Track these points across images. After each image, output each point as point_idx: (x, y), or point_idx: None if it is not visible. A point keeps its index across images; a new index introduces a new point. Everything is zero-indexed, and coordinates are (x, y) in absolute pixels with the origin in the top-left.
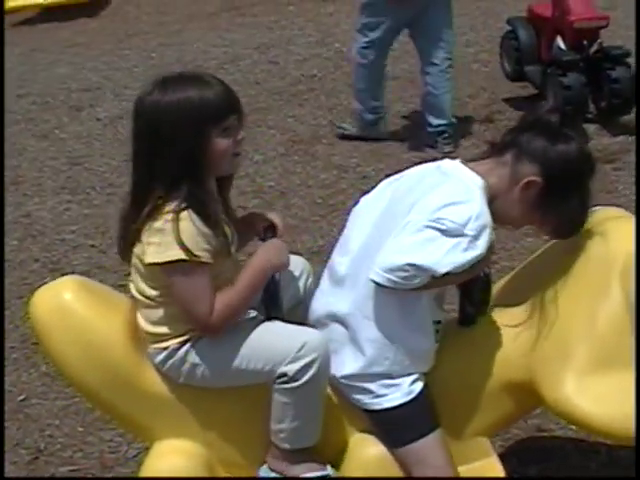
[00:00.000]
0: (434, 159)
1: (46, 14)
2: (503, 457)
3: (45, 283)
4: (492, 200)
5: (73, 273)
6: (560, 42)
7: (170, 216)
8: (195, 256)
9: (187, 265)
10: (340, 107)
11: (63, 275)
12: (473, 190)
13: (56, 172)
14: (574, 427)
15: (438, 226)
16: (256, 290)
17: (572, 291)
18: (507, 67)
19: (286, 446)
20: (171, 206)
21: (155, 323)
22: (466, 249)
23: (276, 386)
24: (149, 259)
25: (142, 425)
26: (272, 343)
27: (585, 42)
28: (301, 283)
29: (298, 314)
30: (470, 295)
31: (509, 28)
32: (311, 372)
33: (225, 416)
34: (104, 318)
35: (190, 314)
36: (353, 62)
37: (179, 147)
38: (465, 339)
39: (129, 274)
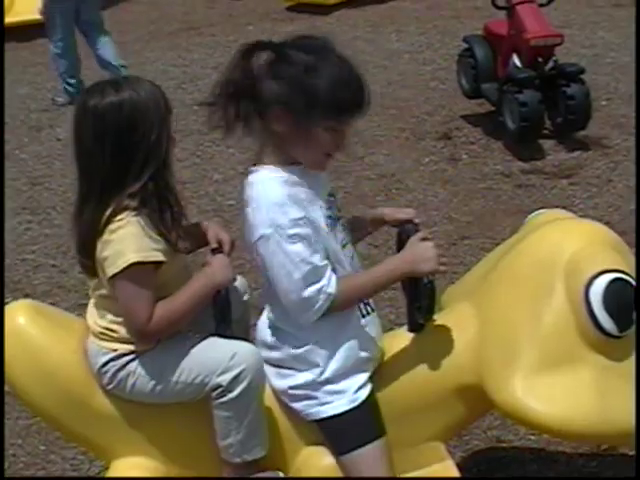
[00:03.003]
0: (392, 174)
1: (5, 35)
2: (462, 468)
3: (6, 303)
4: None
5: (34, 293)
6: (516, 59)
7: (115, 225)
8: (147, 257)
9: (138, 269)
10: None
11: (25, 295)
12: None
13: (16, 192)
14: (532, 437)
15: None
16: (197, 304)
17: (517, 292)
18: (464, 84)
19: (237, 460)
20: (122, 214)
21: (115, 322)
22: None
23: (215, 402)
24: (108, 274)
25: (100, 445)
26: (204, 355)
27: (540, 59)
28: (240, 299)
29: (238, 330)
30: (417, 302)
31: (466, 46)
32: (245, 382)
33: (180, 432)
34: (58, 341)
35: (129, 319)
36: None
37: (153, 144)
38: (413, 345)
39: None
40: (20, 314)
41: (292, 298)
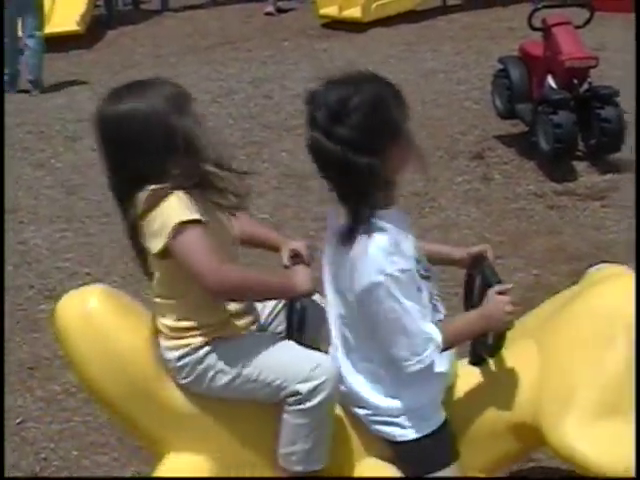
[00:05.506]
0: (425, 193)
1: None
2: None
3: (41, 310)
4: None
5: None
6: (551, 81)
7: (155, 201)
8: (189, 215)
9: (185, 227)
10: None
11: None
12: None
13: (52, 201)
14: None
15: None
16: (267, 294)
17: (577, 339)
18: (498, 105)
19: (298, 468)
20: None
21: (179, 318)
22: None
23: (289, 407)
24: (156, 248)
25: (157, 436)
26: (287, 360)
27: (575, 81)
28: (318, 313)
29: (310, 341)
30: (484, 337)
31: (501, 67)
32: (324, 393)
33: (243, 434)
34: (129, 328)
35: (200, 271)
36: None
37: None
38: (474, 378)
39: None
40: (92, 297)
41: (400, 342)
